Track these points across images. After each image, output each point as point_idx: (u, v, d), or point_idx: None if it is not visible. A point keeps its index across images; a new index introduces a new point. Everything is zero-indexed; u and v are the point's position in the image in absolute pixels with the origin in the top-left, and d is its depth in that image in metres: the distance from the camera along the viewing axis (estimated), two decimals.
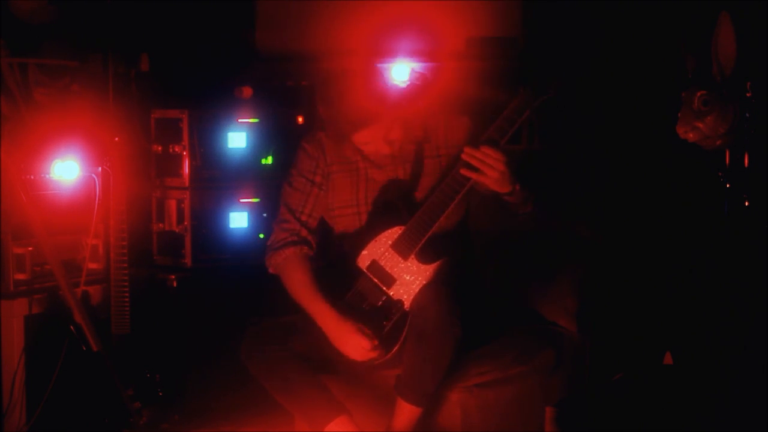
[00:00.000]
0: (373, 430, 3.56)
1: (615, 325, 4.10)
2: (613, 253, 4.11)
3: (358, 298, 3.56)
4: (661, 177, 4.29)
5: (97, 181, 4.13)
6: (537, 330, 3.84)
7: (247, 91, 4.58)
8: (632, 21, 4.43)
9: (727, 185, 3.64)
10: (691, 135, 3.63)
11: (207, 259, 4.44)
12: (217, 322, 4.32)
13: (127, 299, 4.01)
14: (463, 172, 3.43)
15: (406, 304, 3.50)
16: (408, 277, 3.52)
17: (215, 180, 4.47)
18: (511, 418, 3.64)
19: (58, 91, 4.48)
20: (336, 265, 3.62)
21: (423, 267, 3.52)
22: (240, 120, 4.51)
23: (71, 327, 3.92)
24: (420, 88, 4.74)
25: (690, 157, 3.84)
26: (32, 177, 4.05)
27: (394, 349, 3.48)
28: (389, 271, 3.53)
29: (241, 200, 4.50)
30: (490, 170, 3.40)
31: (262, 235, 4.49)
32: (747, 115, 3.58)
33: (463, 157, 3.43)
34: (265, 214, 4.50)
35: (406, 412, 3.45)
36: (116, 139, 4.05)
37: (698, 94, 3.61)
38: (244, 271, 4.34)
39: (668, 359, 3.80)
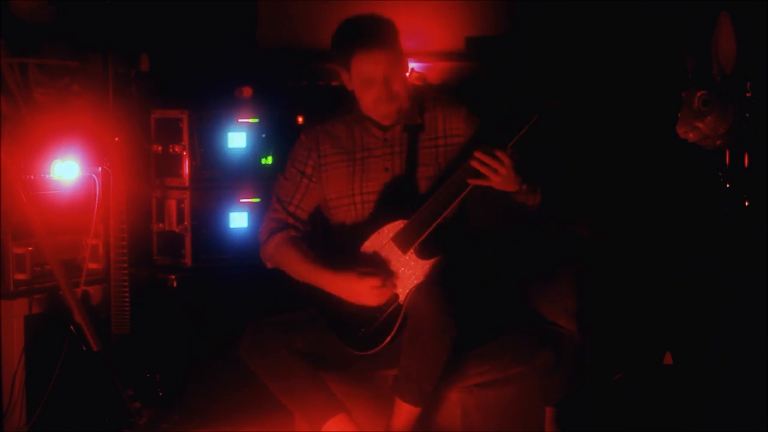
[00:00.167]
0: (372, 430, 3.56)
1: (615, 325, 4.10)
2: (613, 253, 4.11)
3: None
4: (661, 177, 4.29)
5: (97, 181, 4.12)
6: (537, 330, 3.84)
7: (247, 91, 4.58)
8: (632, 21, 4.43)
9: (727, 185, 3.64)
10: (691, 135, 3.63)
11: (207, 259, 4.44)
12: (217, 322, 4.32)
13: (127, 299, 4.01)
14: (470, 181, 3.45)
15: (401, 297, 3.51)
16: (405, 271, 3.53)
17: (215, 180, 4.47)
18: (511, 418, 3.64)
19: (58, 91, 4.48)
20: (334, 256, 3.62)
21: (421, 262, 3.53)
22: (240, 120, 4.51)
23: (71, 327, 3.92)
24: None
25: (690, 157, 3.84)
26: (32, 177, 4.05)
27: (386, 341, 3.49)
28: (388, 264, 3.54)
29: (241, 200, 4.49)
30: (494, 175, 3.41)
31: None
32: (747, 115, 3.58)
33: (472, 163, 3.43)
34: None
35: (405, 412, 3.45)
36: (116, 139, 4.05)
37: (698, 94, 3.61)
38: (244, 271, 4.33)
39: (668, 359, 3.80)
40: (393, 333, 3.50)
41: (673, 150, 3.86)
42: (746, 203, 3.62)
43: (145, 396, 4.02)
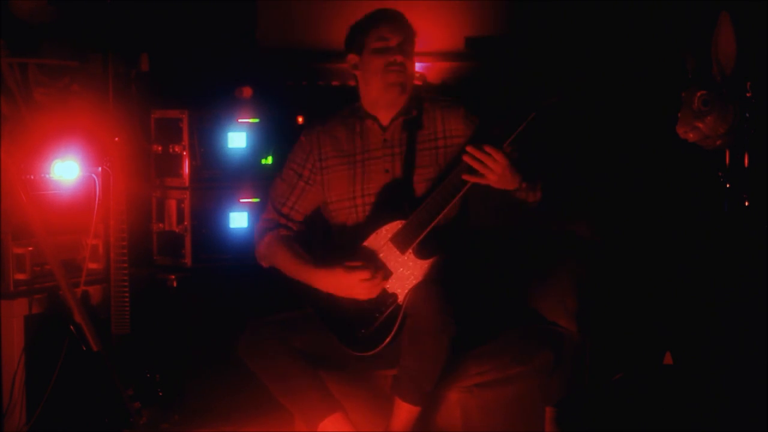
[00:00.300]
0: (372, 430, 3.56)
1: (615, 325, 4.10)
2: (613, 252, 4.11)
3: None
4: (661, 177, 4.29)
5: (97, 181, 4.12)
6: (537, 330, 3.84)
7: (247, 91, 4.58)
8: (632, 21, 4.43)
9: (727, 185, 3.64)
10: (691, 135, 3.63)
11: (207, 259, 4.44)
12: (217, 322, 4.32)
13: (127, 299, 4.01)
14: (465, 177, 3.45)
15: (400, 298, 3.51)
16: (404, 272, 3.53)
17: (215, 180, 4.47)
18: (511, 418, 3.64)
19: (58, 91, 4.48)
20: (333, 257, 3.62)
21: (419, 262, 3.53)
22: (240, 120, 4.51)
23: (71, 327, 3.92)
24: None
25: (690, 157, 3.84)
26: (32, 177, 4.05)
27: (385, 341, 3.49)
28: (387, 264, 3.54)
29: (241, 200, 4.50)
30: (489, 173, 3.42)
31: None
32: (747, 115, 3.58)
33: (464, 158, 3.44)
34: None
35: (404, 412, 3.45)
36: (116, 139, 4.05)
37: (698, 94, 3.61)
38: (244, 271, 4.33)
39: (668, 359, 3.80)
40: (393, 333, 3.50)
41: (673, 150, 3.86)
42: (746, 203, 3.62)
43: (145, 396, 4.02)
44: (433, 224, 3.52)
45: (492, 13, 5.00)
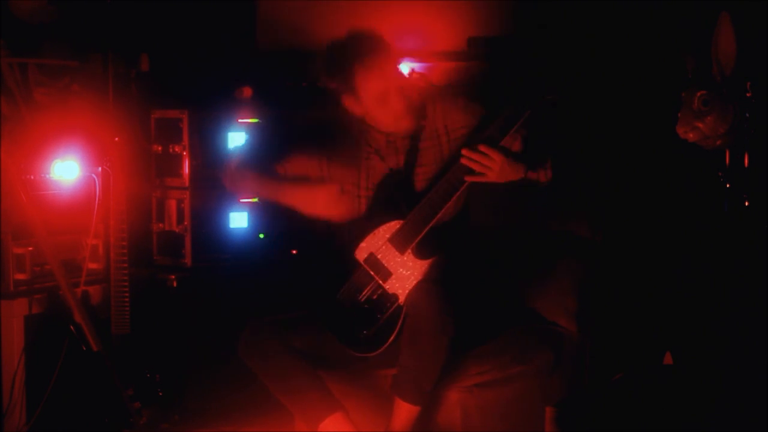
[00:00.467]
0: (372, 429, 3.56)
1: (615, 325, 4.10)
2: (613, 252, 4.11)
3: (355, 290, 3.57)
4: (661, 177, 4.29)
5: (97, 181, 4.12)
6: (537, 330, 3.84)
7: (247, 91, 4.58)
8: (632, 21, 4.43)
9: (727, 185, 3.64)
10: (691, 135, 3.63)
11: (207, 259, 4.44)
12: (217, 322, 4.32)
13: (127, 299, 4.01)
14: (467, 178, 3.46)
15: (401, 298, 3.51)
16: (404, 272, 3.53)
17: (215, 180, 4.46)
18: (511, 418, 3.64)
19: (58, 91, 4.48)
20: (333, 256, 3.62)
21: (419, 262, 3.53)
22: (240, 120, 4.51)
23: (71, 327, 3.92)
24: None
25: (690, 157, 3.84)
26: (32, 177, 4.05)
27: (387, 342, 3.49)
28: (386, 265, 3.54)
29: (241, 200, 4.50)
30: (488, 171, 3.42)
31: (262, 235, 4.49)
32: (747, 115, 3.58)
33: (462, 160, 3.44)
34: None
35: (404, 411, 3.45)
36: (116, 139, 4.05)
37: (698, 94, 3.61)
38: (244, 271, 4.34)
39: (668, 359, 3.80)
40: (395, 334, 3.49)
41: (673, 150, 3.86)
42: (746, 203, 3.62)
43: (145, 396, 4.02)
44: (431, 224, 3.52)
45: (494, 13, 4.99)
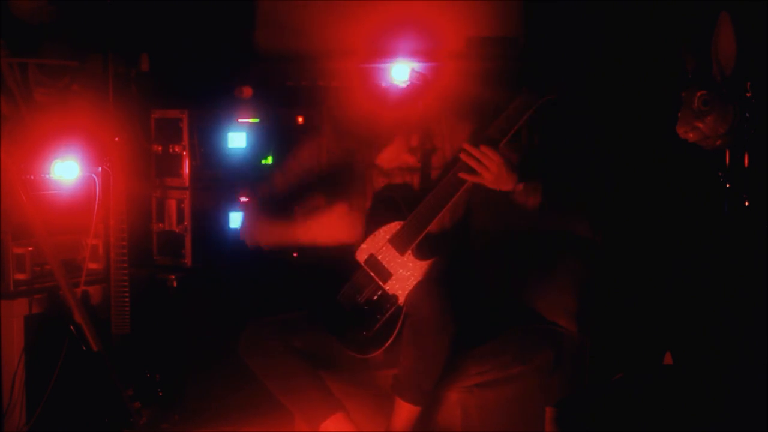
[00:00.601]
0: (372, 430, 3.56)
1: (615, 325, 4.09)
2: (613, 252, 4.11)
3: (355, 291, 3.57)
4: (661, 177, 4.29)
5: (97, 181, 4.13)
6: (537, 330, 3.83)
7: (247, 91, 4.58)
8: (632, 21, 4.43)
9: (727, 185, 3.64)
10: (691, 135, 3.63)
11: (207, 259, 4.44)
12: (217, 322, 4.32)
13: (127, 299, 4.01)
14: (461, 175, 3.45)
15: (401, 299, 3.51)
16: (404, 273, 3.53)
17: (215, 180, 4.47)
18: (511, 418, 3.64)
19: (58, 91, 4.48)
20: (333, 259, 3.62)
21: (419, 263, 3.53)
22: (240, 120, 4.51)
23: (71, 327, 3.92)
24: (420, 86, 4.74)
25: (690, 157, 3.84)
26: (32, 177, 4.06)
27: (387, 343, 3.49)
28: (386, 266, 3.54)
29: (241, 200, 4.49)
30: (485, 171, 3.42)
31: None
32: (747, 115, 3.58)
33: (461, 156, 3.45)
34: None
35: (405, 412, 3.45)
36: (116, 139, 4.06)
37: (698, 94, 3.60)
38: (244, 271, 4.34)
39: (668, 359, 3.80)
40: (394, 335, 3.49)
41: (673, 150, 3.86)
42: (746, 203, 3.62)
43: (145, 396, 4.02)
44: (431, 225, 3.52)
45: (493, 13, 4.99)
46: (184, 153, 4.38)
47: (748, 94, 3.57)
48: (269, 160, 4.57)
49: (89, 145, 4.18)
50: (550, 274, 3.95)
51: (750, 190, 3.62)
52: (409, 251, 3.53)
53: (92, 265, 4.18)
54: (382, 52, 4.76)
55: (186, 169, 4.39)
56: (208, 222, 4.45)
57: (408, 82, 4.64)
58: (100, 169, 4.13)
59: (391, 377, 3.50)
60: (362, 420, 3.56)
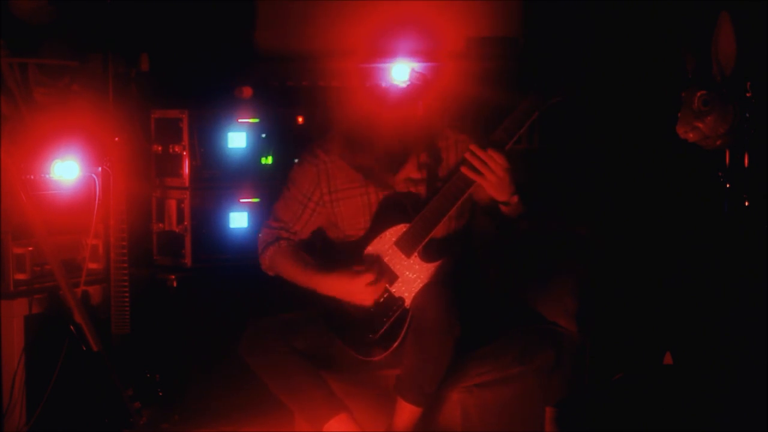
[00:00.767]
0: (374, 430, 3.56)
1: (615, 325, 4.09)
2: (613, 253, 4.11)
3: None
4: (661, 177, 4.29)
5: (97, 181, 4.12)
6: (537, 330, 3.84)
7: (247, 91, 4.58)
8: (633, 21, 4.43)
9: (727, 185, 3.64)
10: (691, 135, 3.63)
11: (207, 259, 4.44)
12: (217, 322, 4.32)
13: (127, 299, 4.01)
14: (464, 169, 3.45)
15: (407, 302, 3.51)
16: (410, 275, 3.53)
17: (215, 180, 4.47)
18: (511, 418, 3.64)
19: (58, 91, 4.48)
20: (336, 263, 3.62)
21: (425, 265, 3.53)
22: (240, 120, 4.50)
23: (71, 327, 3.92)
24: (420, 86, 4.74)
25: (690, 157, 3.84)
26: (32, 177, 4.05)
27: (394, 345, 3.49)
28: (392, 268, 3.54)
29: (241, 200, 4.49)
30: (490, 173, 3.41)
31: None
32: (747, 115, 3.58)
33: (467, 156, 3.44)
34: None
35: (407, 412, 3.45)
36: (116, 139, 4.05)
37: (698, 94, 3.61)
38: (244, 271, 4.32)
39: (668, 359, 3.80)
40: (401, 338, 3.49)
41: (673, 150, 3.86)
42: (746, 203, 3.62)
43: (145, 396, 4.02)
44: (437, 228, 3.51)
45: (493, 13, 4.99)
46: (184, 153, 4.38)
47: (748, 94, 3.58)
48: (269, 160, 4.56)
49: (89, 145, 4.18)
50: (551, 274, 3.95)
51: (750, 190, 3.62)
52: (416, 253, 3.53)
53: (92, 265, 4.17)
54: (382, 52, 4.76)
55: (186, 169, 4.39)
56: (208, 222, 4.44)
57: (408, 82, 4.66)
58: (100, 169, 4.13)
59: (394, 377, 3.50)
60: (363, 419, 3.56)
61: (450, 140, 3.66)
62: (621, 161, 4.42)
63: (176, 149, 4.40)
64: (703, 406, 3.48)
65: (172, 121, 4.42)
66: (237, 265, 4.41)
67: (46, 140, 4.17)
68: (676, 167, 4.15)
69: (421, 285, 3.51)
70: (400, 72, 4.68)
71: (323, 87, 4.84)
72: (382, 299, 3.53)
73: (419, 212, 3.53)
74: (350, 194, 3.64)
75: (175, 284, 4.33)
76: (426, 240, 3.52)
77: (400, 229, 3.55)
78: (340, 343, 3.57)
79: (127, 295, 4.01)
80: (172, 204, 4.42)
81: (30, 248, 4.02)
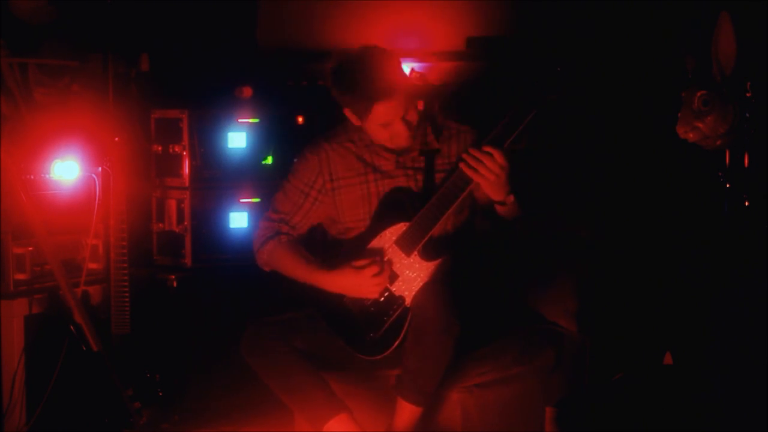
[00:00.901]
0: (374, 430, 3.56)
1: (615, 325, 4.09)
2: (613, 253, 4.11)
3: None
4: (661, 177, 4.29)
5: (97, 181, 4.12)
6: (537, 330, 3.84)
7: (247, 91, 4.58)
8: (633, 21, 4.43)
9: (727, 185, 3.64)
10: (691, 135, 3.63)
11: (207, 259, 4.44)
12: (217, 322, 4.32)
13: (127, 299, 4.01)
14: (462, 166, 3.44)
15: (408, 301, 3.51)
16: (410, 274, 3.53)
17: (215, 180, 4.47)
18: (511, 418, 3.64)
19: (58, 91, 4.48)
20: (336, 261, 3.62)
21: (425, 264, 3.53)
22: (240, 120, 4.50)
23: (71, 327, 3.92)
24: (420, 86, 4.74)
25: (690, 157, 3.84)
26: (32, 177, 4.05)
27: (394, 345, 3.49)
28: (392, 267, 3.53)
29: (241, 200, 4.49)
30: (488, 173, 3.41)
31: None
32: (747, 115, 3.58)
33: (464, 156, 3.44)
34: None
35: (407, 412, 3.45)
36: (116, 139, 4.05)
37: (698, 94, 3.61)
38: (244, 271, 4.32)
39: (668, 359, 3.80)
40: (401, 337, 3.49)
41: (673, 150, 3.86)
42: (746, 203, 3.62)
43: (145, 396, 4.02)
44: (436, 226, 3.51)
45: (493, 12, 5.00)
46: (184, 153, 4.38)
47: (748, 94, 3.57)
48: (269, 160, 4.56)
49: (89, 145, 4.18)
50: (551, 274, 3.95)
51: (750, 190, 3.62)
52: (415, 252, 3.53)
53: (92, 265, 4.17)
54: None
55: (186, 169, 4.39)
56: (208, 222, 4.44)
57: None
58: (100, 169, 4.13)
59: (394, 377, 3.50)
60: (363, 419, 3.56)
61: (452, 130, 3.66)
62: (621, 161, 4.42)
63: (176, 149, 4.40)
64: (703, 406, 3.48)
65: (172, 121, 4.42)
66: (237, 265, 4.41)
67: (46, 140, 4.16)
68: (676, 167, 4.15)
69: (421, 284, 3.51)
70: None
71: (323, 87, 4.85)
72: (382, 298, 3.53)
73: (419, 211, 3.53)
74: (350, 182, 3.63)
75: (175, 284, 4.34)
76: (425, 239, 3.52)
77: (400, 228, 3.55)
78: (341, 342, 3.57)
79: (127, 295, 4.01)
80: (172, 204, 4.42)
81: (30, 248, 4.02)
